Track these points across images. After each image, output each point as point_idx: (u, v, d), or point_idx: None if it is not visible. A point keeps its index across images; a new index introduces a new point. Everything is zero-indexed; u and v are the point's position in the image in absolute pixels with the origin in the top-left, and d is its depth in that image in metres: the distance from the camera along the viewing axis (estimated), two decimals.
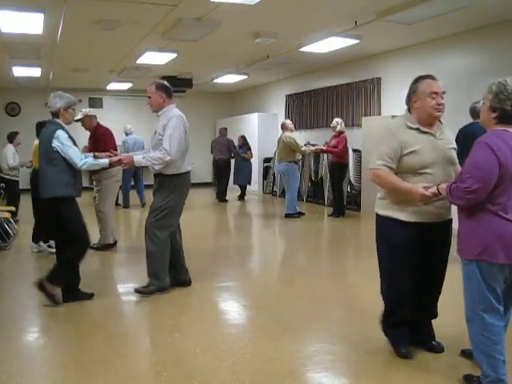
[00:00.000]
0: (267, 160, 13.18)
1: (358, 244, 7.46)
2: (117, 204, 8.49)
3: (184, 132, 4.34)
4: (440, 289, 3.20)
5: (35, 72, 11.09)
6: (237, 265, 5.82)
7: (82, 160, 4.12)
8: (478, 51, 7.61)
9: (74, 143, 4.20)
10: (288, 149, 8.87)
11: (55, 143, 4.06)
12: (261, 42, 8.03)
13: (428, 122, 2.97)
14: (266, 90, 14.24)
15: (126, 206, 10.42)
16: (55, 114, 4.23)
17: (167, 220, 4.40)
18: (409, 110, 3.05)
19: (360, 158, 9.65)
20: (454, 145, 3.10)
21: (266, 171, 13.36)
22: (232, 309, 4.33)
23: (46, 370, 3.11)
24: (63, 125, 4.22)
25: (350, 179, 9.71)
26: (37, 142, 6.22)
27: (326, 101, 11.26)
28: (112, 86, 13.65)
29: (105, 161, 4.34)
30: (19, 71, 10.94)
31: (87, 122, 6.38)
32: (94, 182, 6.54)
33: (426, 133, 2.96)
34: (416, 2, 5.99)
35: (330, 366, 3.10)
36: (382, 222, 3.08)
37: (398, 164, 2.94)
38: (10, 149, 8.39)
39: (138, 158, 4.34)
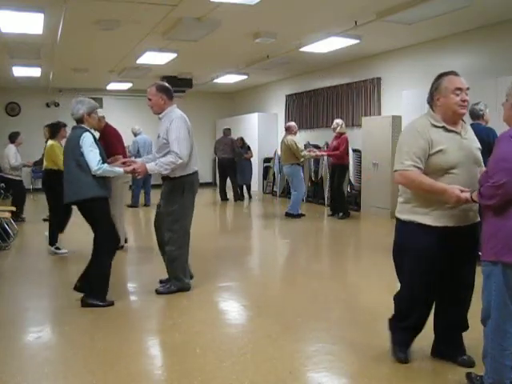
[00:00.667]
0: (267, 160, 13.19)
1: (358, 244, 7.45)
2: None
3: (188, 132, 4.34)
4: (470, 298, 3.01)
5: (35, 72, 11.10)
6: (237, 265, 5.81)
7: (98, 165, 4.11)
8: (478, 51, 7.61)
9: (99, 148, 4.20)
10: (289, 151, 8.89)
11: (81, 145, 4.10)
12: (261, 41, 8.03)
13: (452, 119, 2.85)
14: (266, 90, 14.25)
15: (135, 205, 10.45)
16: (79, 120, 4.24)
17: (183, 222, 4.43)
18: (431, 108, 2.92)
19: (360, 157, 9.65)
20: (479, 145, 2.97)
21: (265, 171, 13.37)
22: (232, 309, 4.33)
23: (46, 369, 3.11)
24: (88, 129, 4.24)
25: (349, 179, 9.72)
26: (51, 142, 6.28)
27: (326, 101, 11.26)
28: (112, 86, 13.66)
29: (120, 170, 4.34)
30: (19, 71, 10.95)
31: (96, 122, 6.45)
32: None
33: (452, 131, 2.84)
34: (416, 2, 5.99)
35: (329, 366, 3.10)
36: (405, 227, 2.92)
37: (425, 164, 2.80)
38: (11, 149, 8.41)
39: (151, 166, 4.30)
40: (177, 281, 4.50)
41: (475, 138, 2.99)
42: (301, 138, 11.83)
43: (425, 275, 2.89)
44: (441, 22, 6.87)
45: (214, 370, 3.02)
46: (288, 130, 9.15)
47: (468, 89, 2.83)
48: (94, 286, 4.18)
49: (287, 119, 12.84)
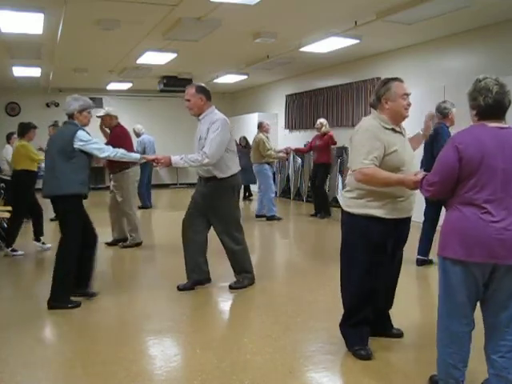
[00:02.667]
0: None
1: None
2: None
3: (228, 135, 4.38)
4: (396, 282, 3.41)
5: (35, 72, 11.09)
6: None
7: (108, 150, 4.22)
8: (478, 51, 7.61)
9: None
10: (258, 149, 8.84)
11: (77, 144, 4.12)
12: (261, 41, 8.03)
13: (397, 122, 3.09)
14: (266, 90, 14.24)
15: (145, 206, 10.36)
16: (70, 116, 4.27)
17: (237, 217, 4.64)
18: (376, 110, 3.11)
19: None
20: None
21: None
22: (232, 309, 4.34)
23: (46, 369, 3.11)
24: (80, 127, 4.25)
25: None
26: (23, 142, 6.34)
27: (326, 101, 11.25)
28: (112, 86, 13.66)
29: (136, 155, 4.42)
30: (19, 71, 10.94)
31: (107, 120, 6.56)
32: (112, 182, 6.64)
33: (398, 132, 3.10)
34: (416, 1, 5.99)
35: (329, 366, 3.10)
36: (359, 221, 3.06)
37: (380, 165, 2.97)
38: (9, 149, 8.40)
39: (176, 159, 4.31)
40: (247, 273, 4.73)
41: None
42: (301, 138, 11.88)
43: (375, 264, 3.09)
44: (441, 21, 6.87)
45: (213, 370, 3.02)
46: (260, 127, 9.11)
47: (409, 94, 3.11)
48: (58, 286, 4.16)
49: (287, 119, 12.85)
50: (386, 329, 3.47)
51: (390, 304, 3.45)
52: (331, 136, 8.94)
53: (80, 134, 4.14)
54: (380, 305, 3.34)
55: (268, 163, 9.04)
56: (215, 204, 4.46)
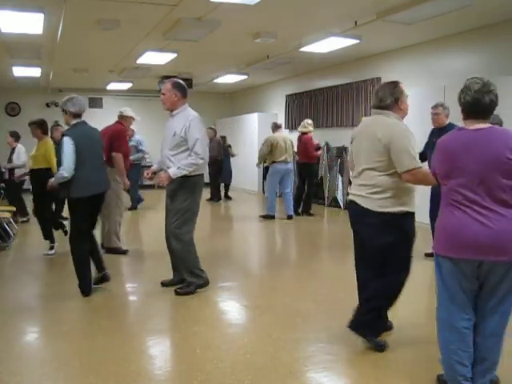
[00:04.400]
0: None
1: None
2: None
3: (205, 132, 4.47)
4: None
5: (35, 72, 11.09)
6: (237, 265, 5.82)
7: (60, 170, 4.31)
8: (478, 51, 7.60)
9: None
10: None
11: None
12: (261, 41, 8.02)
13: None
14: (266, 89, 14.24)
15: (135, 207, 10.29)
16: (78, 115, 4.45)
17: (189, 219, 4.48)
18: (390, 111, 3.21)
19: None
20: None
21: (265, 171, 13.34)
22: (232, 309, 4.34)
23: (46, 369, 3.11)
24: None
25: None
26: (47, 139, 6.30)
27: (326, 101, 11.26)
28: (112, 86, 13.65)
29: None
30: (19, 71, 10.94)
31: (130, 121, 6.61)
32: None
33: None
34: (416, 2, 5.99)
35: (329, 366, 3.11)
36: (399, 218, 3.15)
37: None
38: (21, 148, 8.37)
39: (174, 171, 4.31)
40: (192, 277, 4.53)
41: None
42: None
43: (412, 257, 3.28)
44: (441, 22, 6.87)
45: (213, 370, 3.02)
46: (279, 127, 9.15)
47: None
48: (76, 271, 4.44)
49: (287, 119, 12.85)
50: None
51: None
52: (310, 137, 9.09)
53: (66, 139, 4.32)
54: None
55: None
56: (171, 199, 4.48)
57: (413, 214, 3.22)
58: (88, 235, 4.50)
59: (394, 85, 3.25)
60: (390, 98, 3.20)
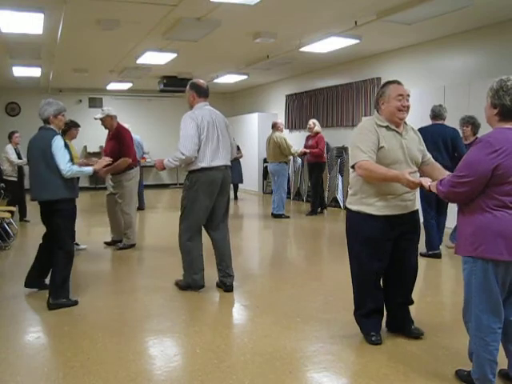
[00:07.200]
0: (267, 160, 13.17)
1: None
2: None
3: (196, 128, 4.35)
4: (413, 277, 3.43)
5: (35, 72, 11.09)
6: (236, 265, 5.80)
7: (68, 167, 4.13)
8: (478, 51, 7.61)
9: (69, 151, 4.23)
10: (278, 149, 8.90)
11: (52, 148, 4.11)
12: (261, 41, 8.03)
13: (394, 122, 3.19)
14: (266, 89, 14.24)
15: (141, 207, 10.29)
16: (46, 121, 4.29)
17: (186, 217, 4.50)
18: (377, 111, 3.28)
19: None
20: (421, 146, 3.33)
21: (265, 171, 13.35)
22: (232, 309, 4.33)
23: (46, 369, 3.11)
24: (57, 131, 4.30)
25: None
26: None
27: (326, 101, 11.26)
28: (112, 86, 13.65)
29: (89, 169, 4.41)
30: (19, 71, 10.94)
31: (108, 121, 6.43)
32: (111, 183, 6.63)
33: (393, 130, 3.19)
34: (416, 2, 5.99)
35: (329, 366, 3.10)
36: (353, 217, 3.30)
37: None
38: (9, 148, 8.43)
39: (166, 161, 4.48)
40: (183, 277, 4.61)
41: (417, 139, 3.33)
42: (301, 138, 11.85)
43: (371, 261, 3.24)
44: (441, 22, 6.87)
45: (213, 370, 3.02)
46: (275, 127, 9.16)
47: (408, 95, 3.21)
48: (58, 288, 4.25)
49: (287, 119, 12.85)
50: (405, 325, 3.48)
51: (406, 299, 3.46)
52: (323, 137, 9.10)
53: (57, 138, 4.16)
54: (397, 299, 3.43)
55: (286, 162, 9.14)
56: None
57: (372, 216, 3.16)
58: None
59: (381, 86, 3.30)
60: (375, 100, 3.30)
